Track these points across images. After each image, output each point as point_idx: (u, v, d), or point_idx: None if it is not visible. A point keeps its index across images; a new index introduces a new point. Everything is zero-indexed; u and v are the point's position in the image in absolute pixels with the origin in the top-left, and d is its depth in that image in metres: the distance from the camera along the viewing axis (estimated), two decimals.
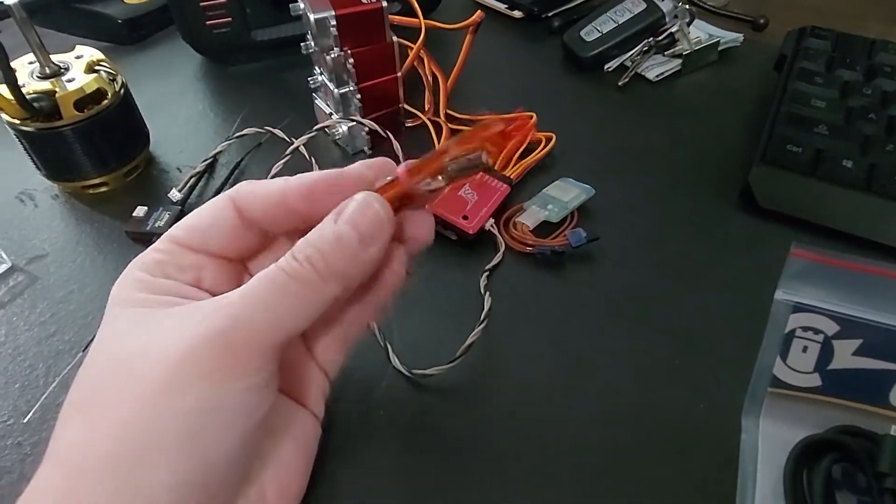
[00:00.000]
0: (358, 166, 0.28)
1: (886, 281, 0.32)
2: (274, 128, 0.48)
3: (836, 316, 0.31)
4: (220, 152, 0.49)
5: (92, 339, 0.26)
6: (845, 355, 0.31)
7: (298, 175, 0.28)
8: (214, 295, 0.26)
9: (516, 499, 0.32)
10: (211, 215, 0.28)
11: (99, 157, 0.47)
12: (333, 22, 0.45)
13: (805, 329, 0.31)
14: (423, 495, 0.32)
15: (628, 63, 0.59)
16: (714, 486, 0.32)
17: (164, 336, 0.24)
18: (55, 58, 0.46)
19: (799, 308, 0.31)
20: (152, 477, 0.22)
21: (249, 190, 0.28)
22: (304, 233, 0.26)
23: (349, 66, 0.47)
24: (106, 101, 0.46)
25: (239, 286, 0.25)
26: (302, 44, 0.48)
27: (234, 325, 0.24)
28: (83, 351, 0.38)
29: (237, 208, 0.28)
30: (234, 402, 0.24)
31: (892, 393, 0.31)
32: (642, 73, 0.59)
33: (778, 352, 0.32)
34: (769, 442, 0.32)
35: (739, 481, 0.31)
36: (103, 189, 0.49)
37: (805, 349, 0.32)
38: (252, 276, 0.27)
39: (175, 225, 0.29)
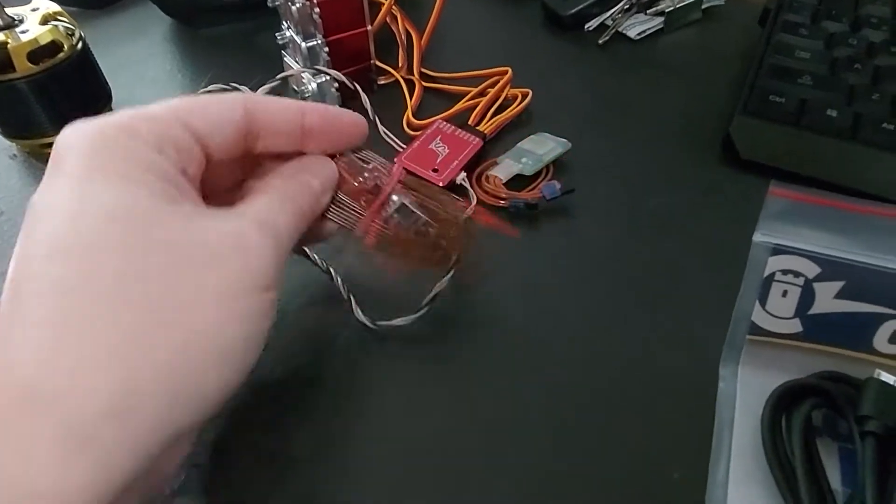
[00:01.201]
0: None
1: (868, 218, 0.31)
2: (241, 85, 0.46)
3: (816, 257, 0.29)
4: None
5: None
6: (827, 299, 0.30)
7: None
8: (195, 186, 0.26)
9: (488, 450, 0.30)
10: (226, 110, 0.27)
11: (56, 112, 0.45)
12: None
13: (785, 272, 0.30)
14: (387, 448, 0.30)
15: (609, 22, 0.58)
16: (691, 435, 0.30)
17: (212, 246, 0.24)
18: (10, 10, 0.44)
19: (778, 250, 0.29)
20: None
21: (266, 102, 0.28)
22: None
23: (315, 17, 0.45)
24: (62, 55, 0.44)
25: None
26: None
27: (278, 243, 0.26)
28: None
29: (248, 112, 0.27)
30: (268, 306, 0.25)
31: (875, 337, 0.30)
32: (623, 32, 0.57)
33: (757, 297, 0.31)
34: (747, 390, 0.31)
35: (716, 429, 0.30)
36: None
37: (785, 294, 0.30)
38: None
39: (181, 104, 0.26)
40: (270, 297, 0.25)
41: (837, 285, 0.29)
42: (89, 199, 0.22)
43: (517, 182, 0.42)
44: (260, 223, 0.25)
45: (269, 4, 0.47)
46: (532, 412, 0.32)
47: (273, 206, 0.26)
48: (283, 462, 0.30)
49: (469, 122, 0.46)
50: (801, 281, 0.30)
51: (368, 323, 0.34)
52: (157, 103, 0.26)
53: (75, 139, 0.24)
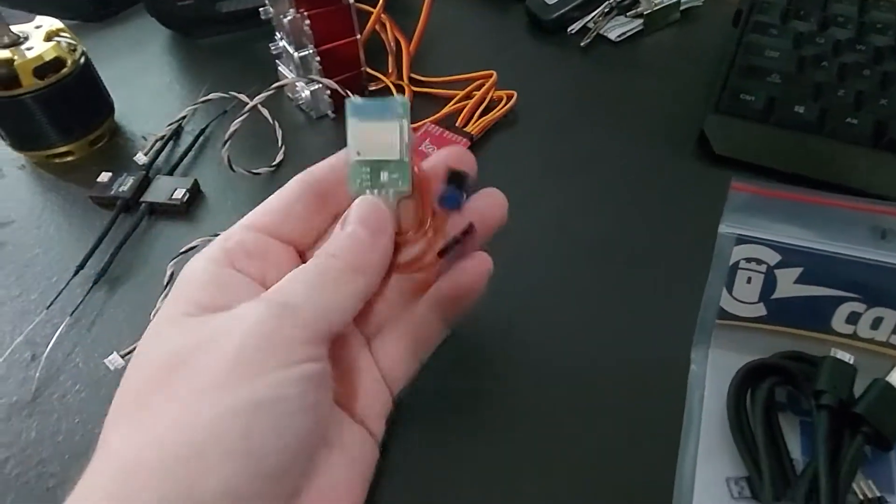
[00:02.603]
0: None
1: (823, 209, 0.33)
2: (239, 94, 0.48)
3: (777, 245, 0.31)
4: (185, 117, 0.49)
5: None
6: (788, 284, 0.32)
7: None
8: None
9: (468, 433, 0.32)
10: (285, 196, 0.29)
11: (61, 124, 0.47)
12: None
13: (748, 260, 0.32)
14: None
15: (591, 25, 0.60)
16: (663, 417, 0.32)
17: (212, 333, 0.24)
18: (14, 28, 0.47)
19: (742, 240, 0.32)
20: (203, 483, 0.21)
21: (316, 165, 0.30)
22: None
23: (306, 29, 0.47)
24: (66, 70, 0.46)
25: None
26: (261, 9, 0.49)
27: (281, 311, 0.24)
28: (46, 309, 0.38)
29: (309, 184, 0.29)
30: (288, 394, 0.23)
31: (833, 318, 0.32)
32: (604, 34, 0.59)
33: (724, 284, 0.33)
34: (716, 371, 0.33)
35: (686, 409, 0.32)
36: (69, 158, 0.49)
37: (749, 280, 0.33)
38: None
39: (247, 214, 0.29)
40: (296, 373, 0.23)
41: (797, 271, 0.32)
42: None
43: None
44: (268, 299, 0.25)
45: (263, 17, 0.49)
46: (508, 395, 0.34)
47: (292, 276, 0.26)
48: None
49: (457, 124, 0.48)
50: (763, 268, 0.32)
51: None
52: (237, 223, 0.29)
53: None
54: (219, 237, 0.28)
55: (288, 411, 0.23)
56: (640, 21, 0.60)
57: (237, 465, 0.22)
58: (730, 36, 0.56)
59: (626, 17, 0.60)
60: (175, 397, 0.22)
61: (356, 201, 0.28)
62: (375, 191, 0.28)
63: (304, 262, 0.29)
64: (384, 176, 0.27)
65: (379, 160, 0.27)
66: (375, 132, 0.27)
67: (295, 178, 0.30)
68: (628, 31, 0.59)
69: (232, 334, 0.23)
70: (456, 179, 0.28)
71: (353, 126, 0.28)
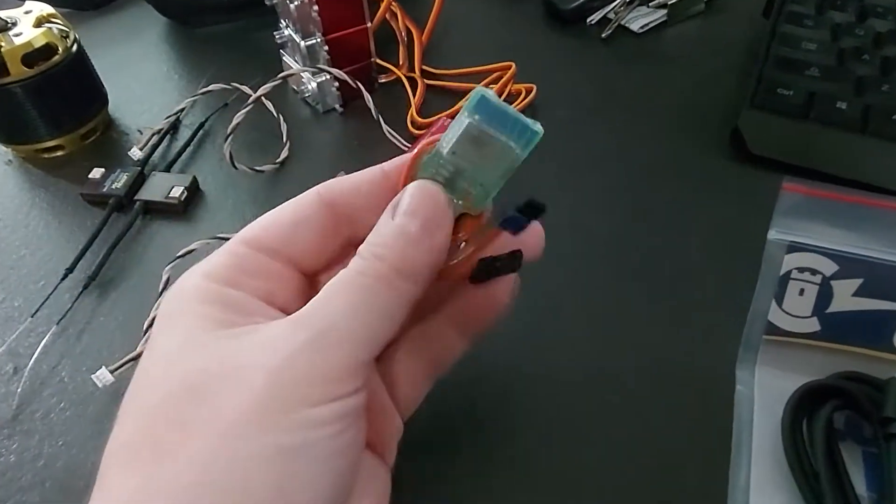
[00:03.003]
0: None
1: (884, 213, 0.30)
2: (241, 85, 0.46)
3: (834, 254, 0.29)
4: (183, 110, 0.47)
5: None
6: (845, 297, 0.29)
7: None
8: (288, 314, 0.22)
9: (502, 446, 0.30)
10: (295, 211, 0.25)
11: (52, 116, 0.44)
12: None
13: (801, 270, 0.29)
14: None
15: (611, 15, 0.57)
16: (709, 441, 0.29)
17: (236, 359, 0.20)
18: (3, 13, 0.44)
19: (794, 248, 0.29)
20: None
21: (339, 180, 0.25)
22: None
23: (314, 15, 0.44)
24: (57, 58, 0.43)
25: None
26: None
27: (318, 339, 0.20)
28: (31, 317, 0.35)
29: (327, 203, 0.25)
30: (329, 434, 0.20)
31: (895, 335, 0.29)
32: (626, 25, 0.56)
33: (773, 296, 0.30)
34: (766, 392, 0.30)
35: (735, 434, 0.29)
36: (59, 153, 0.46)
37: (802, 292, 0.30)
38: None
39: (248, 225, 0.25)
40: (334, 411, 0.20)
41: (856, 283, 0.29)
42: (152, 345, 0.22)
43: None
44: (304, 324, 0.21)
45: (267, 3, 0.46)
46: (544, 415, 0.31)
47: (332, 291, 0.22)
48: None
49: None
50: (818, 279, 0.29)
51: None
52: (235, 236, 0.25)
53: (167, 297, 0.24)
54: (212, 254, 0.24)
55: (323, 454, 0.20)
56: (664, 11, 0.57)
57: None
58: (758, 27, 0.53)
59: (648, 7, 0.58)
60: (195, 436, 0.19)
61: (411, 186, 0.23)
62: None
63: (312, 287, 0.26)
64: (463, 185, 0.23)
65: (468, 171, 0.23)
66: (487, 145, 0.22)
67: (311, 190, 0.25)
68: (651, 21, 0.56)
69: (262, 366, 0.20)
70: (532, 210, 0.22)
71: (471, 125, 0.22)
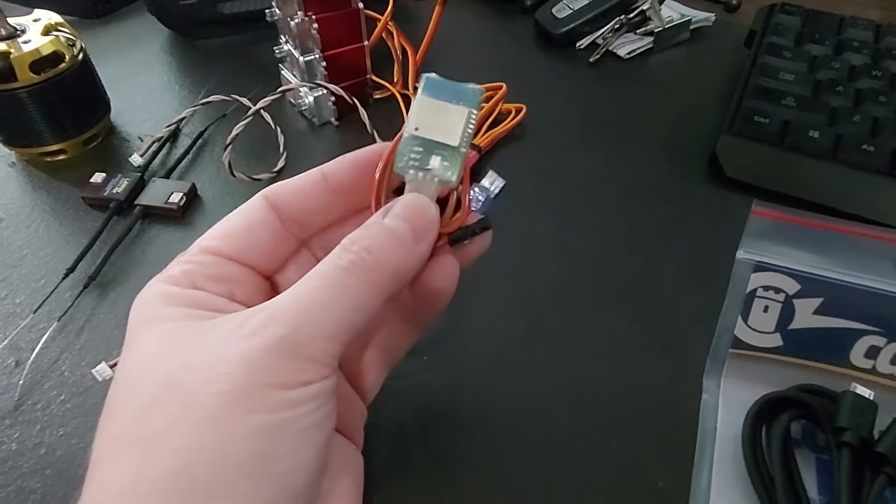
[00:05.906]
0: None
1: (847, 238, 0.32)
2: (241, 97, 0.47)
3: (797, 274, 0.30)
4: (183, 119, 0.48)
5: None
6: (806, 314, 0.31)
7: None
8: (249, 307, 0.23)
9: (477, 451, 0.31)
10: (246, 217, 0.27)
11: (56, 121, 0.46)
12: None
13: (766, 288, 0.31)
14: None
15: (600, 40, 0.59)
16: (673, 446, 0.31)
17: (213, 351, 0.21)
18: (12, 20, 0.45)
19: (760, 267, 0.31)
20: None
21: (282, 184, 0.27)
22: (338, 232, 0.27)
23: (314, 33, 0.46)
24: (63, 65, 0.45)
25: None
26: (267, 10, 0.48)
27: (296, 329, 0.21)
28: (33, 313, 0.37)
29: (273, 206, 0.27)
30: (305, 412, 0.21)
31: (852, 352, 0.31)
32: (614, 51, 0.59)
33: (739, 312, 0.32)
34: (729, 402, 0.32)
35: (699, 440, 0.31)
36: (61, 157, 0.48)
37: (766, 309, 0.32)
38: (280, 292, 0.24)
39: (204, 235, 0.26)
40: (311, 392, 0.22)
41: (816, 302, 0.31)
42: (130, 350, 0.23)
43: None
44: (276, 317, 0.22)
45: (268, 19, 0.48)
46: (517, 421, 0.33)
47: (311, 279, 0.23)
48: None
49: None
50: (781, 297, 0.31)
51: None
52: (192, 245, 0.26)
53: (135, 306, 0.25)
54: (171, 263, 0.26)
55: (304, 430, 0.21)
56: (650, 39, 0.59)
57: (258, 490, 0.20)
58: (740, 57, 0.55)
59: (635, 34, 0.60)
60: (182, 425, 0.20)
61: (409, 196, 0.25)
62: (420, 174, 0.26)
63: (272, 286, 0.28)
64: (435, 161, 0.26)
65: (435, 141, 0.26)
66: (442, 112, 0.26)
67: (257, 195, 0.27)
68: (638, 48, 0.59)
69: (239, 359, 0.21)
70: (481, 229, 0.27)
71: (422, 100, 0.27)
